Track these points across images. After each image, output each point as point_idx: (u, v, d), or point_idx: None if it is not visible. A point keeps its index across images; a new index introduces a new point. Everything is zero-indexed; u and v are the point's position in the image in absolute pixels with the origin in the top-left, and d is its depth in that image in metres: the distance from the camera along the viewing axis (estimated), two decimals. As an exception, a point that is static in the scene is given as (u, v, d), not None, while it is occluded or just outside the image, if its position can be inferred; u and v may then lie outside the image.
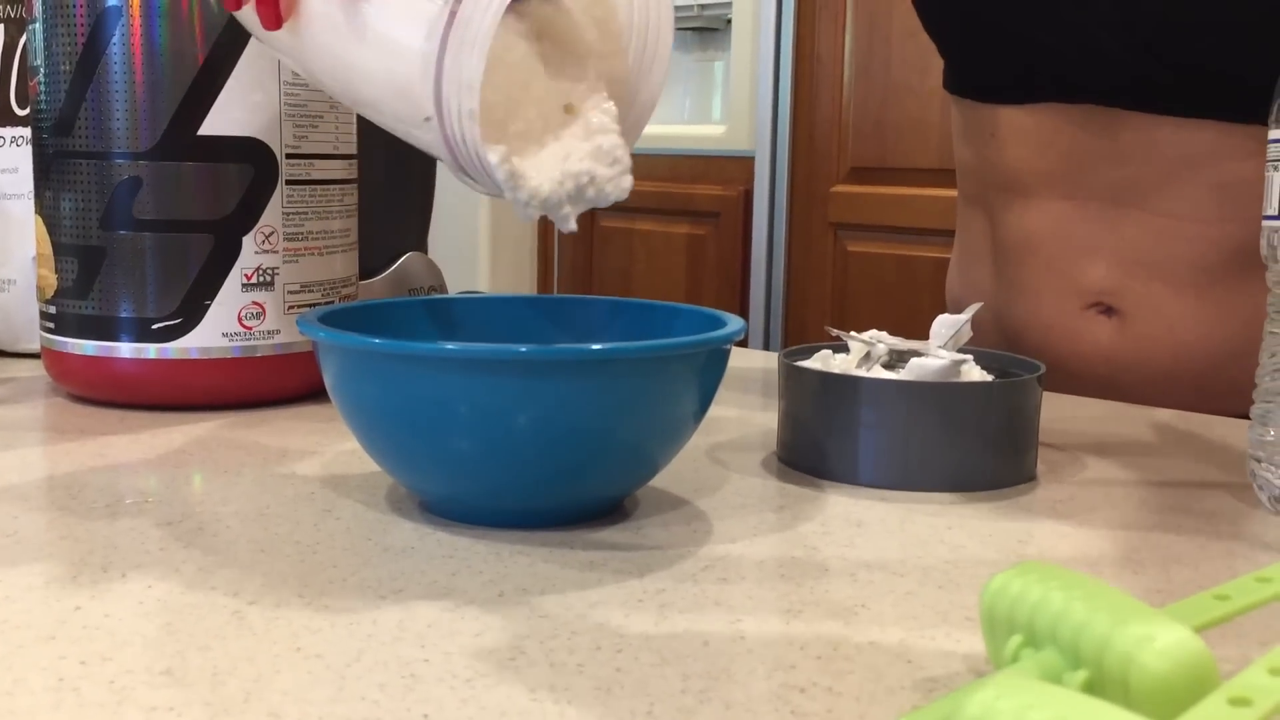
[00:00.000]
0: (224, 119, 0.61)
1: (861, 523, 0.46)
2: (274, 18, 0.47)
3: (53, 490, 0.48)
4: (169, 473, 0.51)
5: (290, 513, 0.46)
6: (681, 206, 2.28)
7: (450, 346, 0.41)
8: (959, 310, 0.88)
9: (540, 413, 0.41)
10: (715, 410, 0.65)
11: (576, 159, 0.45)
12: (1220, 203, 0.70)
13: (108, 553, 0.41)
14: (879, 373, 0.54)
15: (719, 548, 0.43)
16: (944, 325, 0.56)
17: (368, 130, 0.59)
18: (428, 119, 0.43)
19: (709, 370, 0.45)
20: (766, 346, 2.16)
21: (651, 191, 2.28)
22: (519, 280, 2.55)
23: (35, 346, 0.74)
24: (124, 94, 0.60)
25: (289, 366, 0.64)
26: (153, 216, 0.61)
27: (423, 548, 0.42)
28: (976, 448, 0.51)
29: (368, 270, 0.80)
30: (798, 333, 2.14)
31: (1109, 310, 0.75)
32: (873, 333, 0.58)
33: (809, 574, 0.41)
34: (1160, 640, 0.27)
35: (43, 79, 0.62)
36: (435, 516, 0.46)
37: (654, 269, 2.30)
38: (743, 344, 2.17)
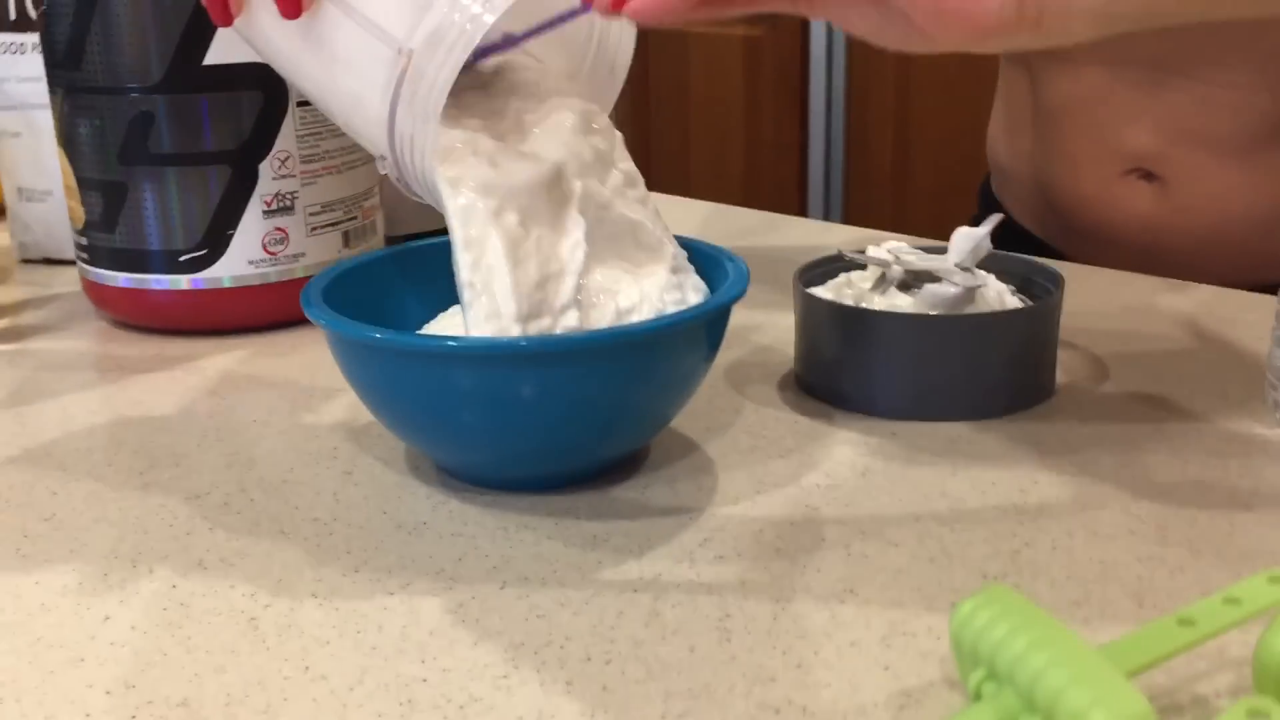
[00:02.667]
0: (228, 48, 0.60)
1: (866, 471, 0.47)
2: (221, 11, 0.46)
3: (91, 453, 0.51)
4: (200, 426, 0.53)
5: (312, 478, 0.48)
6: (738, 3, 2.20)
7: (450, 342, 0.41)
8: (1001, 172, 0.86)
9: (543, 395, 0.42)
10: (744, 311, 0.65)
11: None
12: (1266, 71, 0.66)
13: (138, 540, 0.43)
14: (893, 296, 0.53)
15: (721, 511, 0.44)
16: (963, 239, 0.55)
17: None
18: (382, 157, 0.43)
19: (712, 328, 0.45)
20: (828, 156, 2.11)
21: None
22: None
23: (79, 257, 0.76)
24: (128, 26, 0.59)
25: (317, 286, 0.65)
26: (168, 150, 0.61)
27: (434, 523, 0.44)
28: (989, 378, 0.51)
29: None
30: (860, 138, 2.08)
31: (1149, 176, 0.72)
32: (891, 245, 0.57)
33: (804, 546, 0.41)
34: (1108, 705, 0.28)
35: (48, 6, 0.61)
36: (450, 478, 0.47)
37: (712, 78, 2.24)
38: (801, 160, 2.14)
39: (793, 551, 0.41)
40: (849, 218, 2.13)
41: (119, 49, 0.59)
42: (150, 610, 0.39)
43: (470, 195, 0.43)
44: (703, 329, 0.44)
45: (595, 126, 0.46)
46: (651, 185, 0.49)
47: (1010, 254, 0.57)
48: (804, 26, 2.12)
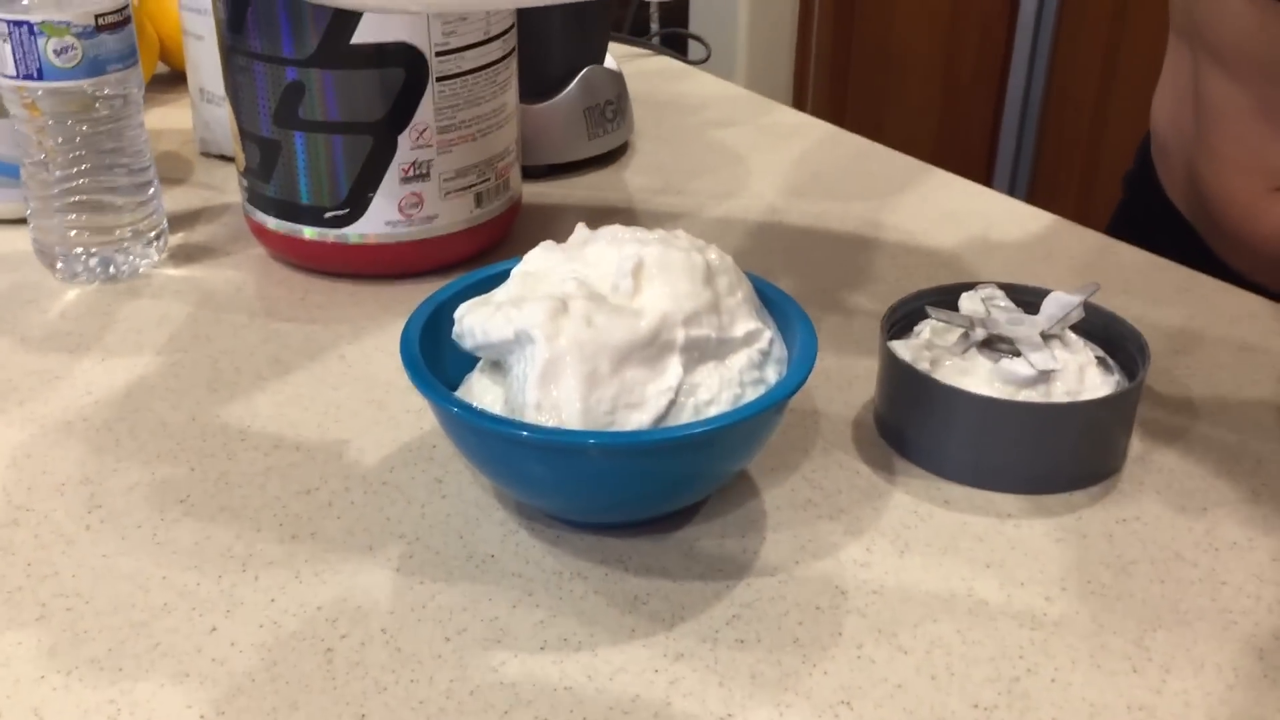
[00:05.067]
0: (375, 27, 0.63)
1: (906, 549, 0.50)
2: None
3: (228, 426, 0.57)
4: (325, 401, 0.59)
5: (407, 482, 0.54)
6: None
7: (523, 432, 0.45)
8: (1159, 139, 0.82)
9: (612, 479, 0.46)
10: (844, 324, 0.67)
11: None
12: None
13: (251, 540, 0.50)
14: (973, 359, 0.54)
15: (756, 584, 0.48)
16: (1055, 304, 0.55)
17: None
18: None
19: (776, 414, 0.48)
20: (1021, 131, 2.03)
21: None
22: (775, 63, 2.49)
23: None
24: (284, 2, 0.62)
25: (448, 243, 0.69)
26: (318, 118, 0.65)
27: (501, 558, 0.49)
28: (1051, 462, 0.52)
29: (545, 89, 0.82)
30: (1057, 116, 1.98)
31: (1301, 197, 0.69)
32: (987, 292, 0.57)
33: (819, 639, 0.45)
34: None
35: (215, -33, 0.65)
36: (525, 504, 0.52)
37: (914, 28, 2.16)
38: (993, 133, 2.06)
39: (808, 645, 0.45)
40: (1034, 196, 2.08)
41: (276, 23, 0.63)
42: (249, 627, 0.46)
43: (560, 351, 0.45)
44: (763, 417, 0.47)
45: (715, 265, 0.48)
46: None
47: (1105, 311, 0.57)
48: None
